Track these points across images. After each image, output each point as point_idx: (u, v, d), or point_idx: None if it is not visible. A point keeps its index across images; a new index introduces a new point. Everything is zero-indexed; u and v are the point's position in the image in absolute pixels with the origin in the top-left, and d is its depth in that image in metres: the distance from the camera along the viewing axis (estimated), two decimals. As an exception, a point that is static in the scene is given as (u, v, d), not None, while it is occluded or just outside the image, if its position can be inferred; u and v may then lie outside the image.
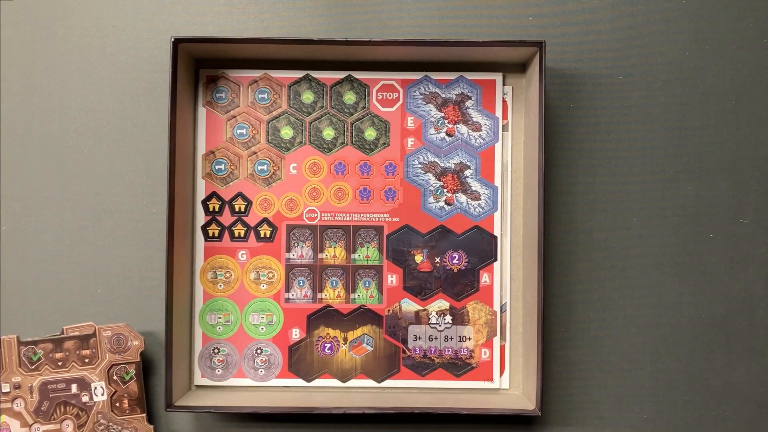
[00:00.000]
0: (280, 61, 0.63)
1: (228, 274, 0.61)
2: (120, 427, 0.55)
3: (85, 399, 0.56)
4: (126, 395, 0.56)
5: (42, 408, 0.55)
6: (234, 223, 0.62)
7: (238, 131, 0.62)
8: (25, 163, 0.60)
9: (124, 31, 0.61)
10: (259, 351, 0.63)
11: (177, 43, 0.56)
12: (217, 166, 0.62)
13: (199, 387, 0.61)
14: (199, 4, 0.62)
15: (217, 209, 0.62)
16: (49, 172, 0.60)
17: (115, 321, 0.59)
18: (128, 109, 0.61)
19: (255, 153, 0.63)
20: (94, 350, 0.56)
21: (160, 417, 0.60)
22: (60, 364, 0.55)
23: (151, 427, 0.56)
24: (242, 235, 0.62)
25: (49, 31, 0.61)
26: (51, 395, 0.55)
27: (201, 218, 0.62)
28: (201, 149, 0.62)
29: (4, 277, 0.59)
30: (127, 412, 0.56)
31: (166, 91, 0.60)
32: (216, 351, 0.61)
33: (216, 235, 0.61)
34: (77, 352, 0.56)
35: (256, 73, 0.63)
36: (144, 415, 0.57)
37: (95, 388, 0.55)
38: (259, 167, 0.63)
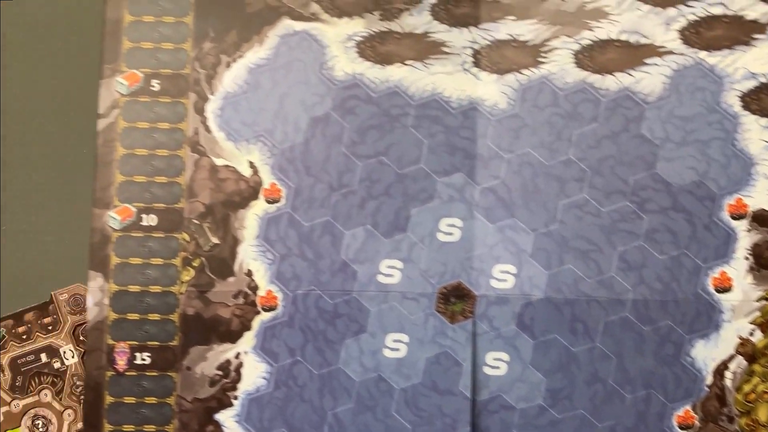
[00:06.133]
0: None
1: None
2: None
3: (57, 365, 0.55)
4: None
5: (17, 384, 0.56)
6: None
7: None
8: (25, 163, 0.59)
9: None
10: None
11: None
12: None
13: None
14: None
15: None
16: (49, 172, 0.59)
17: None
18: None
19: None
20: (54, 316, 0.56)
21: None
22: (24, 337, 0.56)
23: None
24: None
25: (49, 31, 0.59)
26: (23, 369, 0.56)
27: None
28: None
29: (4, 277, 0.59)
30: None
31: None
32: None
33: None
34: (38, 321, 0.56)
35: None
36: None
37: (64, 352, 0.55)
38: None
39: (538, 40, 0.50)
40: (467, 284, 0.49)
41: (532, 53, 0.50)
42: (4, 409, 0.56)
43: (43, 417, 0.56)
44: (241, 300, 0.49)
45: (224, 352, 0.49)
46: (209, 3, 0.50)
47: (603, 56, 0.50)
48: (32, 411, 0.56)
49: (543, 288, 0.49)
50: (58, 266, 0.59)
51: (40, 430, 0.56)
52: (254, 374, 0.49)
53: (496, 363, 0.49)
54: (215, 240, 0.49)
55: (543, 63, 0.50)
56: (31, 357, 0.56)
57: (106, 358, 0.49)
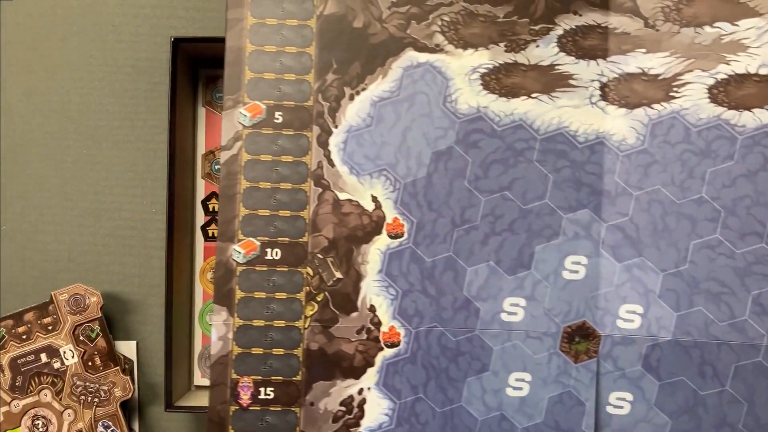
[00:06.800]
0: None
1: (229, 275, 0.61)
2: (97, 385, 0.56)
3: (57, 365, 0.56)
4: (96, 352, 0.57)
5: (17, 384, 0.57)
6: (235, 224, 0.62)
7: (239, 131, 0.62)
8: (25, 163, 0.61)
9: (124, 31, 0.60)
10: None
11: (177, 42, 0.55)
12: (217, 166, 0.60)
13: (198, 387, 0.60)
14: (199, 4, 0.60)
15: (217, 209, 0.60)
16: (49, 172, 0.61)
17: (116, 320, 0.60)
18: (128, 109, 0.60)
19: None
20: (54, 316, 0.57)
21: (160, 418, 0.60)
22: (24, 337, 0.57)
23: (127, 378, 0.57)
24: (243, 235, 0.61)
25: (49, 31, 0.60)
26: (23, 369, 0.56)
27: (201, 218, 0.60)
28: (201, 149, 0.61)
29: (4, 277, 0.61)
30: (101, 368, 0.57)
31: (166, 91, 0.58)
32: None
33: (216, 235, 0.59)
34: (38, 321, 0.57)
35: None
36: (118, 368, 0.57)
37: (64, 352, 0.56)
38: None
39: (669, 73, 0.49)
40: (592, 323, 0.49)
41: (663, 87, 0.49)
42: (4, 409, 0.56)
43: (43, 417, 0.57)
44: (364, 335, 0.49)
45: (347, 387, 0.49)
46: (332, 33, 0.49)
47: (740, 91, 0.48)
48: (32, 411, 0.57)
49: (671, 330, 0.48)
50: (58, 266, 0.61)
51: (40, 430, 0.57)
52: (377, 411, 0.49)
53: (620, 403, 0.49)
54: (339, 275, 0.49)
55: (675, 98, 0.49)
56: (31, 357, 0.57)
57: (230, 393, 0.49)
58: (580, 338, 0.49)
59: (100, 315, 0.57)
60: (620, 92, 0.49)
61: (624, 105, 0.49)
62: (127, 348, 0.59)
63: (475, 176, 0.49)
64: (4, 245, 0.60)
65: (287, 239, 0.49)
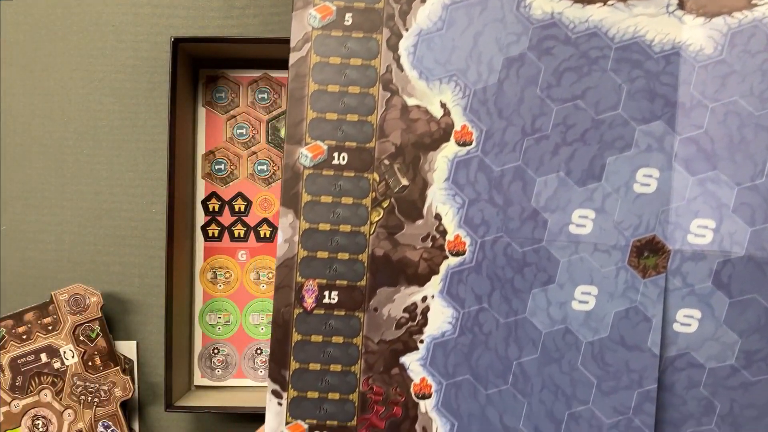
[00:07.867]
0: (280, 60, 0.59)
1: (228, 274, 0.61)
2: (97, 385, 0.57)
3: (57, 365, 0.57)
4: (96, 352, 0.57)
5: (17, 384, 0.57)
6: (234, 223, 0.61)
7: (238, 131, 0.61)
8: (25, 163, 0.61)
9: (124, 31, 0.61)
10: (259, 351, 0.62)
11: (177, 42, 0.55)
12: (217, 166, 0.61)
13: (198, 387, 0.61)
14: (199, 4, 0.61)
15: (216, 209, 0.61)
16: (49, 172, 0.61)
17: (116, 320, 0.60)
18: (128, 109, 0.60)
19: (255, 153, 0.62)
20: (54, 316, 0.57)
21: (160, 418, 0.60)
22: (24, 337, 0.57)
23: (127, 378, 0.57)
24: (242, 235, 0.61)
25: (49, 31, 0.60)
26: (23, 369, 0.57)
27: (201, 218, 0.61)
28: (201, 149, 0.61)
29: (4, 277, 0.61)
30: (101, 368, 0.57)
31: (166, 91, 0.59)
32: (216, 351, 0.61)
33: (216, 235, 0.61)
34: (38, 321, 0.57)
35: (256, 73, 0.61)
36: (118, 368, 0.57)
37: (64, 352, 0.57)
38: (259, 167, 0.62)
39: (752, -19, 0.47)
40: (662, 238, 0.48)
41: (746, -5, 0.47)
42: (4, 409, 0.57)
43: (43, 417, 0.57)
44: (429, 243, 0.48)
45: (411, 294, 0.48)
46: (403, -64, 0.48)
47: (828, -1, 0.47)
48: (32, 411, 0.57)
49: (744, 245, 0.47)
50: (58, 266, 0.61)
51: (40, 430, 0.57)
52: (440, 319, 0.48)
53: (687, 320, 0.48)
54: (405, 182, 0.48)
55: (757, 5, 0.47)
56: (31, 357, 0.57)
57: (295, 296, 0.48)
58: (649, 253, 0.48)
59: (100, 315, 0.58)
60: (698, 1, 0.47)
61: (702, 14, 0.47)
62: (127, 348, 0.60)
63: (547, 84, 0.48)
64: (4, 245, 0.61)
65: (354, 144, 0.48)
